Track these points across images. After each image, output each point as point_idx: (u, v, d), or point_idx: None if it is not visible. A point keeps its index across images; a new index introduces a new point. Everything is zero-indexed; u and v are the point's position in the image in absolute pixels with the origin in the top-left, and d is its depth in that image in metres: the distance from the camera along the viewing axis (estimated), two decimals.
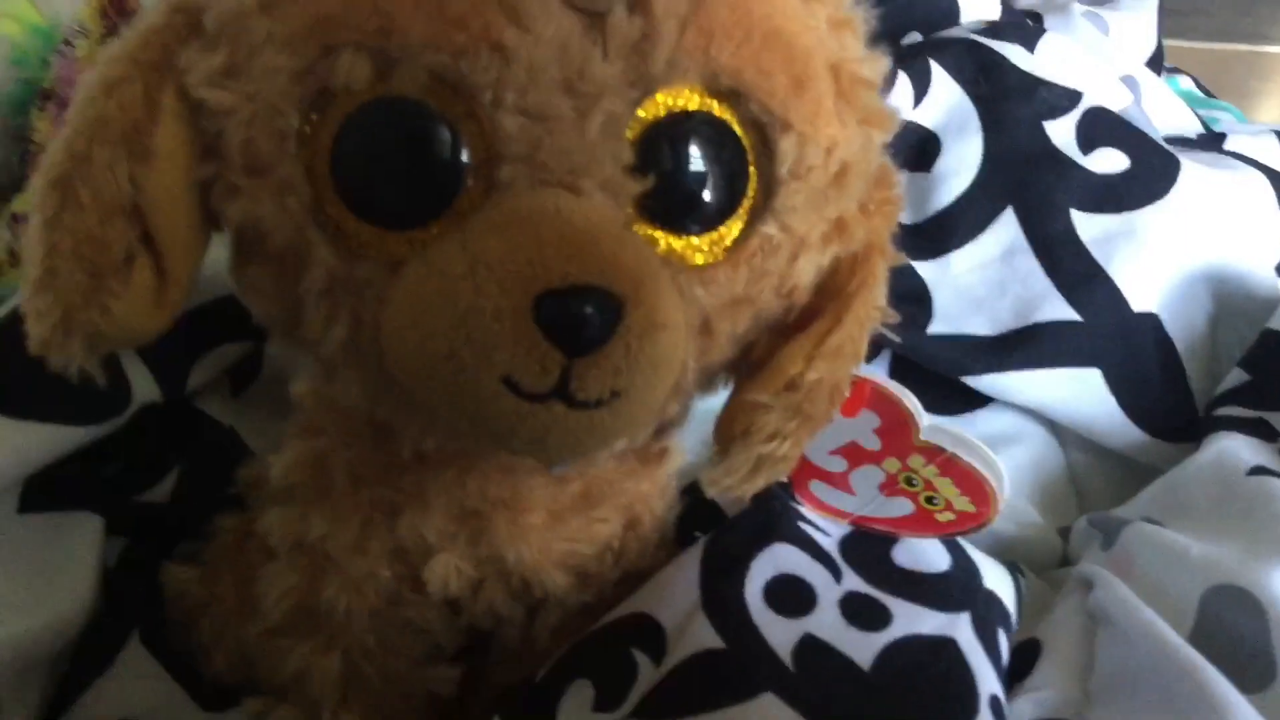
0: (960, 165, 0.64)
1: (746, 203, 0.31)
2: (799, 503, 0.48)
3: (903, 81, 0.65)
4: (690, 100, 0.29)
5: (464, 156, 0.28)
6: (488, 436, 0.32)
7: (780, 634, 0.41)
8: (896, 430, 0.43)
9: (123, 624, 0.50)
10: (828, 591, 0.44)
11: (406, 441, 0.36)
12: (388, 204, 0.29)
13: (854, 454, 0.45)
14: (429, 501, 0.39)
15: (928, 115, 0.65)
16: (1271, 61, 1.53)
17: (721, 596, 0.43)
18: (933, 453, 0.43)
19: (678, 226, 0.30)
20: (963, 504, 0.45)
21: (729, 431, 0.36)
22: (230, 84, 0.29)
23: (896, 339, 0.37)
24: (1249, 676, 0.42)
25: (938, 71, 0.66)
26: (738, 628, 0.41)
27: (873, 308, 0.35)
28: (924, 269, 0.62)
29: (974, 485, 0.44)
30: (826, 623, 0.42)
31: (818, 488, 0.47)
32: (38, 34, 0.81)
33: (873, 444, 0.44)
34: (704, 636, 0.41)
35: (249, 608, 0.45)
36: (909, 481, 0.45)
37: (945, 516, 0.46)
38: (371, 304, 0.29)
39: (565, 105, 0.27)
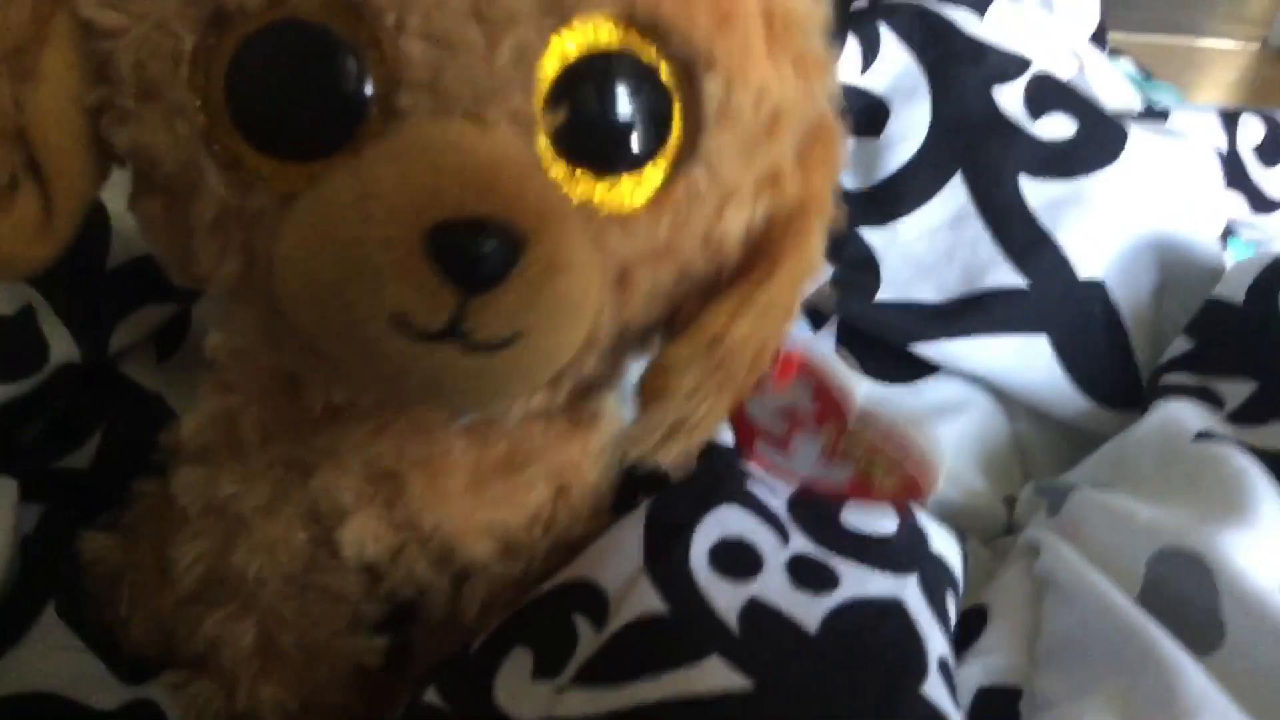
0: (909, 130, 0.63)
1: (671, 145, 0.30)
2: (746, 462, 0.47)
3: (851, 45, 0.64)
4: (610, 36, 0.28)
5: (366, 85, 0.27)
6: (380, 380, 0.31)
7: (726, 597, 0.40)
8: (830, 401, 0.43)
9: (38, 594, 0.48)
10: (775, 554, 0.43)
11: (316, 394, 0.35)
12: (284, 134, 0.28)
13: (794, 417, 0.44)
14: (342, 460, 0.38)
15: (876, 80, 0.65)
16: (1207, 55, 1.56)
17: (665, 560, 0.42)
18: (870, 422, 0.43)
19: (597, 167, 0.29)
20: (893, 484, 0.45)
21: (650, 388, 0.34)
22: (121, 3, 0.27)
23: (834, 307, 0.36)
24: (1197, 639, 0.41)
25: (887, 35, 0.65)
26: (682, 591, 0.40)
27: (807, 265, 0.34)
28: (872, 235, 0.62)
29: (911, 453, 0.44)
30: (773, 586, 0.42)
31: (764, 449, 0.47)
32: None
33: (809, 409, 0.43)
34: (648, 601, 0.40)
35: (166, 576, 0.43)
36: (847, 452, 0.44)
37: (887, 482, 0.45)
38: (264, 237, 0.28)
39: (473, 32, 0.26)
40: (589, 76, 0.28)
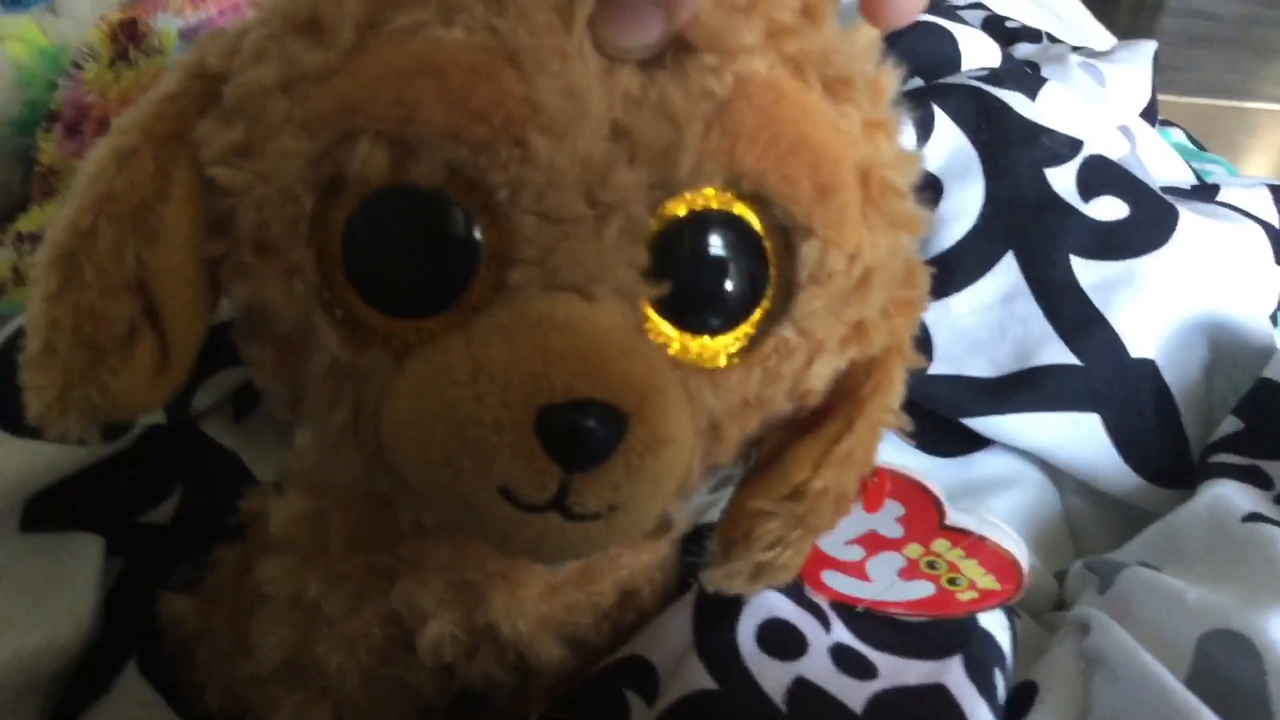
0: (961, 209, 0.65)
1: (764, 305, 0.30)
2: (809, 592, 0.47)
3: (906, 125, 0.65)
4: (711, 200, 0.28)
5: (478, 249, 0.27)
6: (482, 538, 0.32)
7: (772, 676, 0.41)
8: (920, 517, 0.42)
9: (120, 649, 0.50)
10: (818, 639, 0.44)
11: (405, 513, 0.36)
12: (398, 290, 0.28)
13: (873, 542, 0.44)
14: (426, 570, 0.39)
15: (930, 159, 0.66)
16: (1258, 116, 1.56)
17: (713, 638, 0.43)
18: (959, 536, 0.42)
19: (692, 326, 0.29)
20: (987, 583, 0.44)
21: (731, 534, 0.35)
22: (244, 163, 0.28)
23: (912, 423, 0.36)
24: None
25: (941, 116, 0.67)
26: (730, 669, 0.41)
27: (886, 412, 0.34)
28: (926, 310, 0.63)
29: (1000, 564, 0.43)
30: (818, 667, 0.42)
31: (832, 577, 0.47)
32: (44, 57, 0.81)
33: (894, 532, 0.43)
34: (696, 677, 0.41)
35: (243, 645, 0.45)
36: (930, 565, 0.44)
37: (967, 595, 0.45)
38: (374, 393, 0.29)
39: (584, 210, 0.27)
40: (689, 239, 0.28)
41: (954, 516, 0.42)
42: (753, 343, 0.30)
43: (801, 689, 0.41)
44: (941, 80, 0.74)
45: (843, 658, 0.43)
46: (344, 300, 0.28)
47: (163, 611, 0.51)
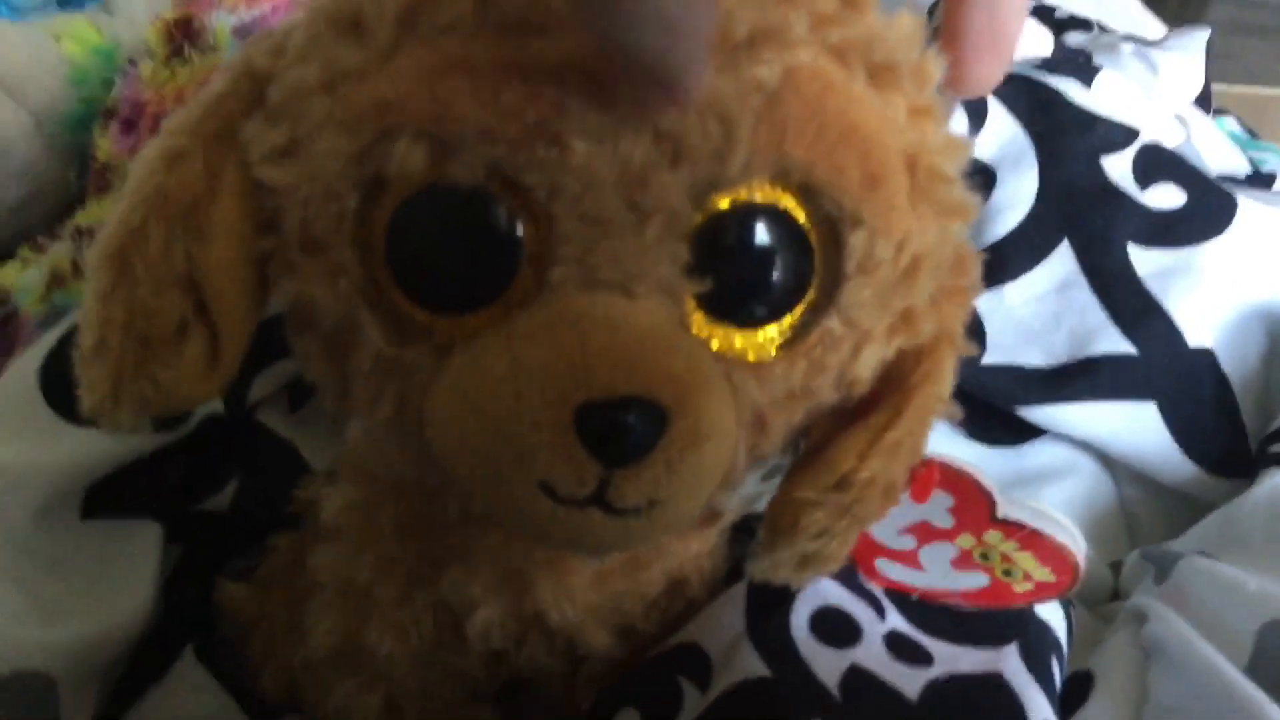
0: (1016, 198, 0.64)
1: (809, 296, 0.29)
2: (862, 580, 0.47)
3: (959, 115, 0.65)
4: (755, 192, 0.28)
5: (519, 241, 0.27)
6: (523, 533, 0.32)
7: (826, 664, 0.41)
8: (971, 508, 0.42)
9: (178, 635, 0.51)
10: (872, 627, 0.44)
11: (453, 503, 0.36)
12: (440, 286, 0.28)
13: (924, 532, 0.44)
14: (474, 559, 0.39)
15: (984, 148, 0.65)
16: None
17: (766, 626, 0.43)
18: (1012, 529, 0.42)
19: (736, 320, 0.29)
20: (1042, 575, 0.43)
21: (777, 524, 0.34)
22: (290, 162, 0.29)
23: (962, 412, 0.35)
24: None
25: (994, 105, 0.66)
26: (783, 656, 0.41)
27: (937, 401, 0.34)
28: (978, 300, 0.62)
29: (1055, 556, 0.42)
30: (872, 655, 0.42)
31: (885, 565, 0.46)
32: (99, 54, 0.83)
33: (945, 522, 0.43)
34: (750, 664, 0.41)
35: (298, 632, 0.46)
36: (984, 557, 0.44)
37: (1023, 587, 0.45)
38: (418, 389, 0.29)
39: (623, 213, 0.27)
40: (732, 233, 0.28)
41: (1006, 509, 0.42)
42: (797, 334, 0.30)
43: (856, 676, 0.41)
44: None
45: (897, 645, 0.43)
46: (388, 296, 0.29)
47: (219, 598, 0.51)
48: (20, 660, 0.44)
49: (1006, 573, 0.44)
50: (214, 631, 0.51)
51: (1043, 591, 0.45)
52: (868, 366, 0.32)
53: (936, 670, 0.42)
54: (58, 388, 0.48)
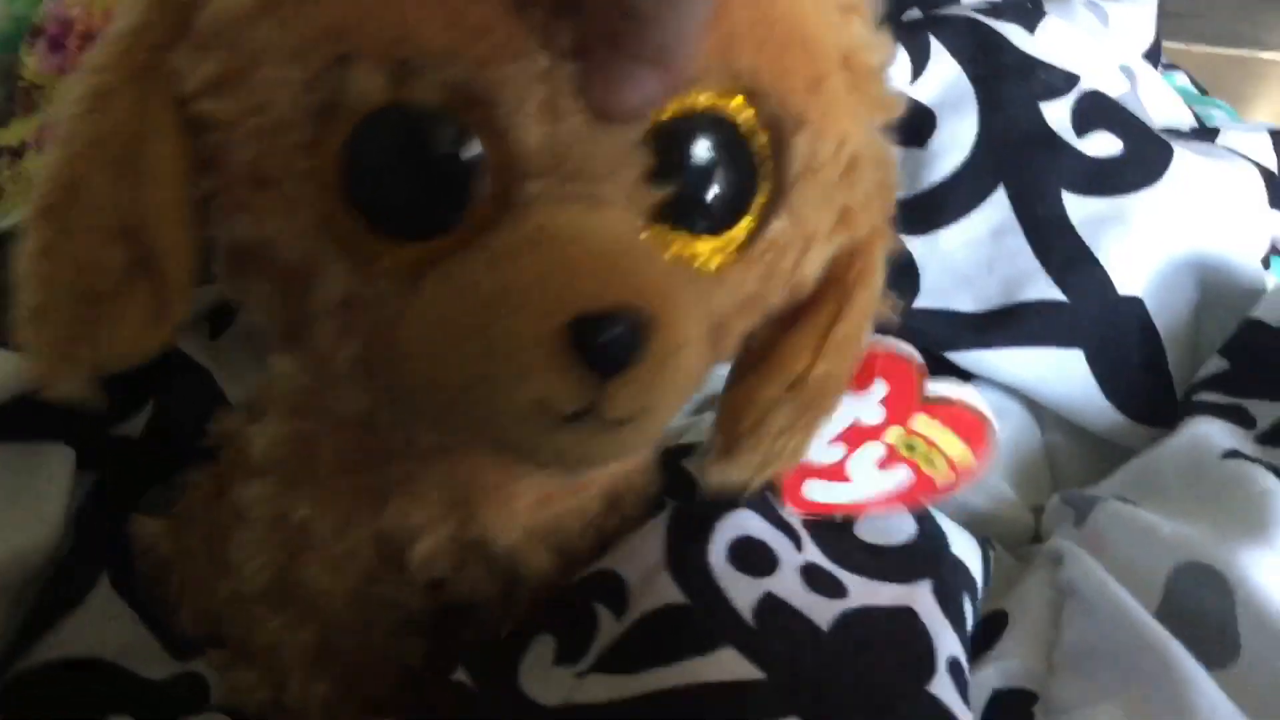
0: (954, 142, 0.64)
1: (760, 199, 0.30)
2: (787, 509, 0.47)
3: (901, 56, 0.65)
4: (698, 99, 0.28)
5: (480, 160, 0.27)
6: (510, 452, 0.31)
7: (742, 591, 0.41)
8: (903, 395, 0.43)
9: (93, 564, 0.50)
10: (789, 557, 0.44)
11: (396, 434, 0.36)
12: (403, 213, 0.27)
13: (854, 435, 0.44)
14: (417, 488, 0.39)
15: (925, 91, 0.65)
16: (1266, 67, 1.54)
17: (684, 554, 0.43)
18: (936, 407, 0.43)
19: (690, 227, 0.29)
20: (961, 453, 0.44)
21: (738, 427, 0.35)
22: (230, 93, 0.27)
23: (898, 302, 0.36)
24: (1213, 653, 0.42)
25: (937, 48, 0.66)
26: (700, 584, 0.41)
27: (874, 294, 0.35)
28: (913, 243, 0.62)
29: (972, 425, 0.44)
30: (787, 584, 0.42)
31: (812, 487, 0.47)
32: None
33: (875, 417, 0.43)
34: (666, 592, 0.41)
35: (220, 567, 0.45)
36: (909, 448, 0.44)
37: (944, 477, 0.45)
38: (386, 321, 0.28)
39: (586, 117, 0.26)
40: (682, 140, 0.28)
41: (932, 387, 0.43)
42: (751, 239, 0.30)
43: (770, 604, 0.41)
44: (939, 11, 0.73)
45: (813, 576, 0.43)
46: (348, 227, 0.27)
47: (135, 533, 0.51)
48: None
49: (929, 462, 0.45)
50: (131, 563, 0.51)
51: (962, 477, 0.46)
52: (814, 266, 0.33)
53: (850, 603, 0.42)
54: None
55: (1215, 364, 0.59)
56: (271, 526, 0.42)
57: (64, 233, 0.28)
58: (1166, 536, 0.47)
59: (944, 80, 0.66)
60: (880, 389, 0.42)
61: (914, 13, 0.74)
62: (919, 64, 0.66)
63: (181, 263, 0.29)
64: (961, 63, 0.66)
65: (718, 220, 0.30)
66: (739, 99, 0.28)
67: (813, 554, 0.45)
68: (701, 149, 0.28)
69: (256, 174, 0.27)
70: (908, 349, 0.42)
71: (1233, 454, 0.51)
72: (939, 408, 0.43)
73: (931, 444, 0.44)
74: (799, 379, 0.33)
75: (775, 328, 0.34)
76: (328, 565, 0.41)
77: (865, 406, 0.43)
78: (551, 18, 0.26)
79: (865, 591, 0.43)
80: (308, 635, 0.44)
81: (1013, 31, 0.67)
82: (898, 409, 0.43)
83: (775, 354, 0.34)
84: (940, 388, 0.43)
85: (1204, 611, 0.43)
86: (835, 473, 0.46)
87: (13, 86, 0.75)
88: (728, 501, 0.45)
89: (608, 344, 0.26)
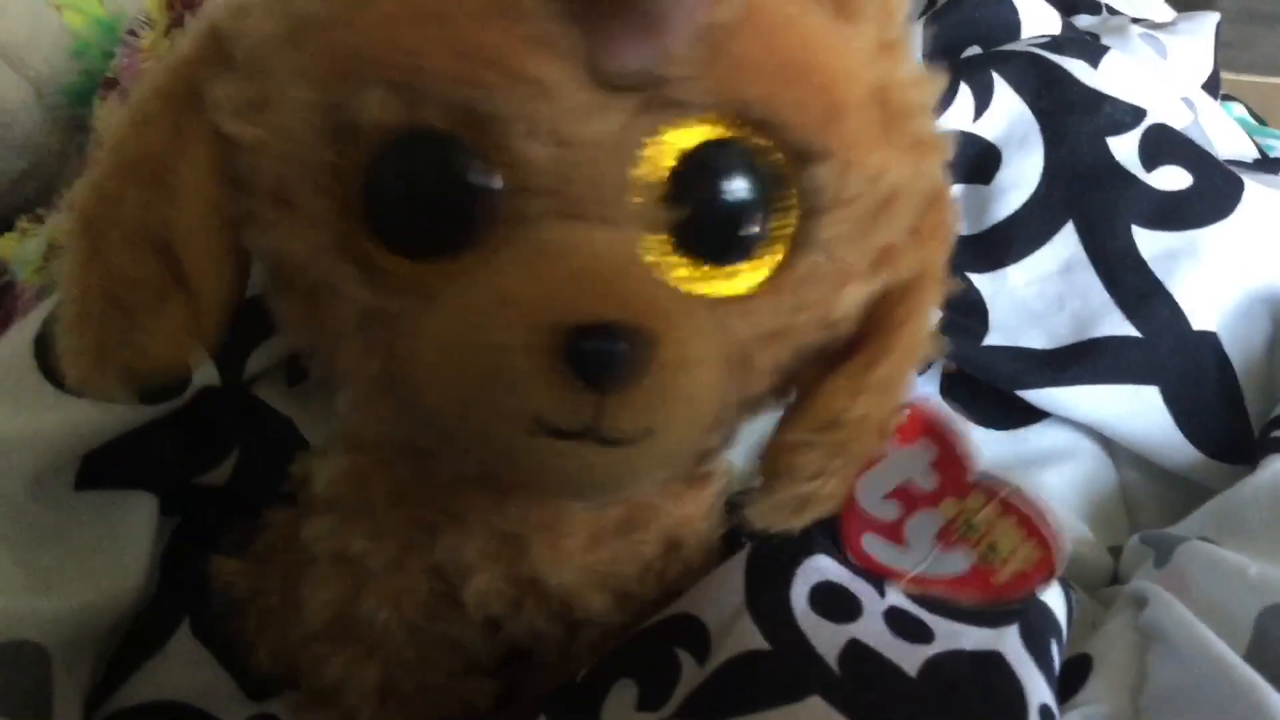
0: (1020, 178, 0.64)
1: (787, 231, 0.30)
2: (851, 561, 0.47)
3: (964, 93, 0.65)
4: (724, 129, 0.28)
5: (494, 184, 0.28)
6: (518, 474, 0.32)
7: (826, 638, 0.41)
8: (952, 463, 0.42)
9: (175, 608, 0.51)
10: (872, 603, 0.44)
11: (446, 465, 0.36)
12: (418, 233, 0.29)
13: (909, 497, 0.44)
14: (468, 523, 0.39)
15: (989, 127, 0.65)
16: None
17: (766, 599, 0.42)
18: (991, 490, 0.42)
19: (714, 257, 0.29)
20: (1024, 555, 0.44)
21: (774, 467, 0.35)
22: (259, 117, 0.29)
23: (949, 353, 0.36)
24: None
25: (1000, 84, 0.66)
26: (783, 630, 0.41)
27: (921, 338, 0.34)
28: (981, 281, 0.62)
29: (1034, 525, 0.43)
30: (872, 630, 0.42)
31: (871, 543, 0.46)
32: (100, 26, 0.82)
33: (929, 483, 0.43)
34: (749, 637, 0.41)
35: (293, 606, 0.45)
36: (968, 527, 0.44)
37: (1006, 574, 0.45)
38: (403, 337, 0.29)
39: (596, 135, 0.27)
40: (705, 169, 0.28)
41: (982, 471, 0.43)
42: (780, 270, 0.30)
43: (855, 651, 0.40)
44: (1001, 48, 0.72)
45: (897, 620, 0.43)
46: (365, 246, 0.29)
47: (214, 574, 0.51)
48: (13, 630, 0.43)
49: (991, 550, 0.44)
50: (210, 605, 0.51)
51: (1022, 583, 0.45)
52: (851, 303, 0.33)
53: (936, 647, 0.42)
54: (53, 357, 0.48)
55: None
56: (334, 561, 0.42)
57: (100, 245, 0.30)
58: (1253, 578, 0.46)
59: (1008, 116, 0.66)
60: (929, 450, 0.42)
61: (974, 49, 0.74)
62: (982, 100, 0.66)
63: (213, 280, 0.31)
64: (1025, 98, 0.66)
65: (741, 250, 0.30)
66: (757, 131, 0.29)
67: (896, 596, 0.45)
68: (722, 177, 0.29)
69: (279, 194, 0.29)
70: (953, 418, 0.41)
71: None
72: (996, 493, 0.42)
73: (990, 532, 0.44)
74: (834, 420, 0.33)
75: (819, 369, 0.34)
76: (386, 600, 0.42)
77: (916, 465, 0.42)
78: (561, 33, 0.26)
79: (951, 635, 0.43)
80: (372, 673, 0.44)
81: (1076, 66, 0.67)
82: (951, 479, 0.42)
83: (815, 396, 0.34)
84: (992, 473, 0.42)
85: None
86: (894, 533, 0.45)
87: (85, 139, 0.77)
88: (805, 543, 0.45)
89: (603, 358, 0.26)
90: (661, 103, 0.27)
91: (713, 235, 0.29)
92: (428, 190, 0.28)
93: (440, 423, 0.30)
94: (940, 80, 0.33)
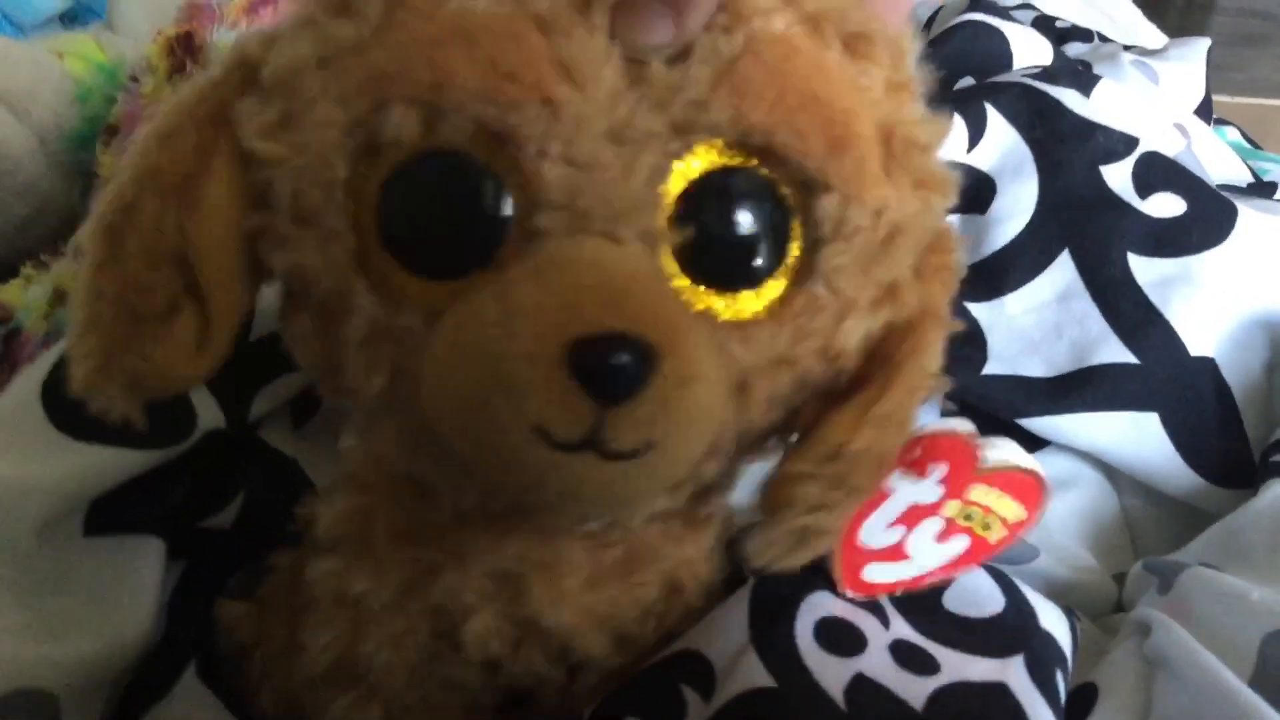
0: (1015, 208, 0.64)
1: (791, 261, 0.31)
2: (844, 596, 0.47)
3: (958, 125, 0.65)
4: (733, 158, 0.29)
5: (507, 209, 0.28)
6: (519, 488, 0.32)
7: (831, 673, 0.41)
8: (960, 470, 0.42)
9: (181, 652, 0.51)
10: (877, 636, 0.44)
11: (446, 500, 0.36)
12: (431, 254, 0.29)
13: (912, 516, 0.44)
14: (467, 562, 0.39)
15: (983, 158, 0.66)
16: None
17: (770, 635, 0.42)
18: (994, 476, 0.42)
19: (719, 282, 0.30)
20: (1014, 511, 0.44)
21: (773, 502, 0.35)
22: (281, 135, 0.29)
23: (950, 382, 0.36)
24: None
25: (993, 115, 0.66)
26: (788, 666, 0.41)
27: (924, 376, 0.35)
28: (979, 310, 0.62)
29: (1025, 486, 0.43)
30: (877, 664, 0.42)
31: (873, 571, 0.46)
32: (102, 72, 0.83)
33: (932, 496, 0.43)
34: (754, 674, 0.41)
35: (297, 650, 0.45)
36: (967, 517, 0.44)
37: (997, 535, 0.45)
38: (411, 353, 0.30)
39: (610, 154, 0.28)
40: (713, 195, 0.29)
41: (986, 455, 0.42)
42: (782, 298, 0.31)
43: (861, 685, 0.40)
44: (993, 79, 0.73)
45: (903, 653, 0.43)
46: (379, 264, 0.29)
47: (219, 618, 0.51)
48: (22, 678, 0.43)
49: (985, 527, 0.44)
50: (214, 653, 0.51)
51: (1015, 531, 0.45)
52: (853, 337, 0.33)
53: (943, 679, 0.42)
54: (60, 404, 0.48)
55: None
56: (335, 603, 0.43)
57: (117, 252, 0.30)
58: (1256, 603, 0.46)
59: (1001, 146, 0.66)
60: (939, 471, 0.42)
61: (967, 81, 0.75)
62: (976, 131, 0.66)
63: (226, 293, 0.32)
64: (1018, 129, 0.67)
65: (746, 277, 0.30)
66: (760, 160, 0.30)
67: (901, 628, 0.45)
68: (731, 203, 0.30)
69: (297, 210, 0.30)
70: (958, 423, 0.42)
71: None
72: (994, 475, 0.43)
73: (988, 510, 0.44)
74: (834, 452, 0.33)
75: (822, 404, 0.34)
76: (387, 642, 0.42)
77: (923, 490, 0.43)
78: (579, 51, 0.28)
79: (957, 666, 0.43)
80: (374, 713, 0.44)
81: (1069, 96, 0.67)
82: (955, 484, 0.43)
83: (817, 430, 0.34)
84: (992, 454, 0.43)
85: None
86: (895, 553, 0.45)
87: (88, 183, 0.77)
88: (808, 578, 0.45)
89: (606, 369, 0.27)
90: (674, 128, 0.28)
91: (717, 259, 0.30)
92: (441, 211, 0.29)
93: (442, 438, 0.30)
94: (947, 122, 0.34)
